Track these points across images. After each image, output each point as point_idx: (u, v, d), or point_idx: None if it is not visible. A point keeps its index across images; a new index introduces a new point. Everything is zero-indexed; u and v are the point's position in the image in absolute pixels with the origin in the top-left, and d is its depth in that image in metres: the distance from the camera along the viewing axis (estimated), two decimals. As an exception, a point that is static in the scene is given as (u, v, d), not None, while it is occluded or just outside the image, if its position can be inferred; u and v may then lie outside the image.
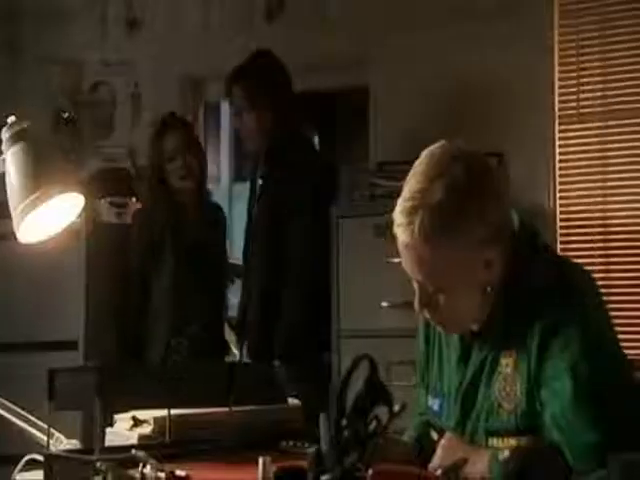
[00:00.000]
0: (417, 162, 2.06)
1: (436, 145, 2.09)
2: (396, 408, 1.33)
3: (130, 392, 2.28)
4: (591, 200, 4.32)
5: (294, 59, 4.57)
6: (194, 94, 5.14)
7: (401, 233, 2.00)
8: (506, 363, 2.06)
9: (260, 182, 4.09)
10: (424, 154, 2.07)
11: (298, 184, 3.93)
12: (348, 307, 4.03)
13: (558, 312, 1.98)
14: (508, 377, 2.04)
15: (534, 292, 2.03)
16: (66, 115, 5.10)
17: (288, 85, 4.10)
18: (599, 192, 4.31)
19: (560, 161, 4.37)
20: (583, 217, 4.32)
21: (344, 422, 1.36)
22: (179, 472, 1.87)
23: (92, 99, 5.25)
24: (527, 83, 4.37)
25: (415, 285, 2.07)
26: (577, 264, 2.18)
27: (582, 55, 4.35)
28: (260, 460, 1.72)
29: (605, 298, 2.14)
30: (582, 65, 4.35)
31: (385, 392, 1.32)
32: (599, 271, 4.18)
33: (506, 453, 1.26)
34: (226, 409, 2.34)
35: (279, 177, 3.98)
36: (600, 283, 2.16)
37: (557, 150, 4.37)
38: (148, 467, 1.88)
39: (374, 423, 1.32)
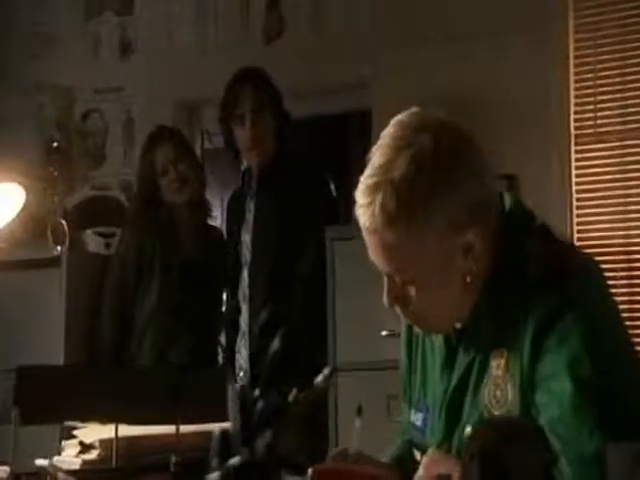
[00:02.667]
0: (383, 132, 1.77)
1: (406, 112, 1.80)
2: (325, 372, 1.01)
3: (59, 400, 1.94)
4: (612, 225, 4.00)
5: (294, 82, 4.34)
6: (190, 120, 4.89)
7: (362, 215, 1.72)
8: (496, 364, 1.75)
9: (253, 206, 3.78)
10: (392, 123, 1.79)
11: (296, 206, 3.62)
12: (345, 338, 3.69)
13: (555, 300, 1.68)
14: (498, 380, 1.74)
15: (526, 279, 1.72)
16: (56, 145, 4.86)
17: (281, 102, 3.83)
18: (620, 217, 3.98)
19: (577, 184, 4.06)
20: (603, 244, 3.99)
21: (256, 393, 1.03)
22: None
23: (83, 127, 5.02)
24: (541, 101, 4.09)
25: (384, 277, 1.77)
26: (579, 248, 1.87)
27: (600, 71, 4.06)
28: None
29: (630, 332, 1.81)
30: (600, 81, 4.06)
31: (308, 352, 0.99)
32: (623, 302, 3.83)
33: (468, 430, 0.94)
34: (174, 428, 2.01)
35: (275, 198, 3.67)
36: (624, 316, 1.85)
37: (573, 172, 4.06)
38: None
39: (294, 392, 1.00)
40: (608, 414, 1.57)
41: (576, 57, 4.09)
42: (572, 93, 4.08)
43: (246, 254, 3.82)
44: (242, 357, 3.72)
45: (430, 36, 4.28)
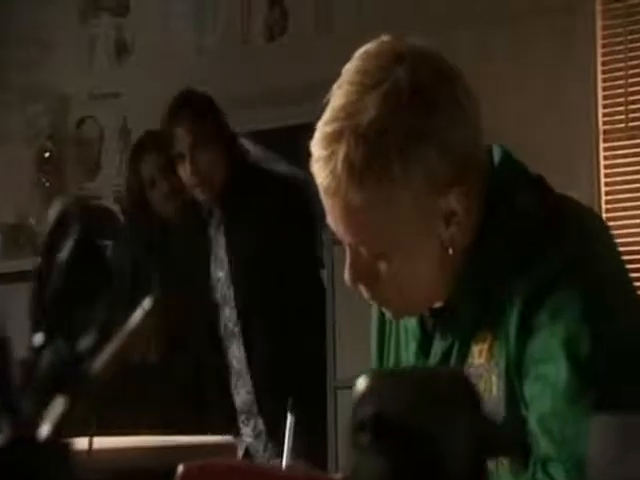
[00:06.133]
0: (346, 67, 1.42)
1: (375, 41, 1.46)
2: (145, 305, 0.66)
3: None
4: (645, 230, 3.62)
5: (298, 82, 4.05)
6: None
7: (320, 172, 1.37)
8: (479, 350, 1.41)
9: (222, 232, 3.40)
10: (357, 55, 1.44)
11: (267, 227, 3.24)
12: (345, 351, 3.34)
13: (547, 264, 1.33)
14: (482, 369, 1.39)
15: (515, 241, 1.37)
16: (48, 154, 4.58)
17: (224, 119, 3.41)
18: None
19: (606, 184, 3.69)
20: (634, 250, 3.60)
21: (39, 339, 0.68)
22: None
23: (78, 136, 4.73)
24: (565, 94, 3.72)
25: (347, 249, 1.42)
26: (580, 202, 1.51)
27: (631, 59, 3.69)
28: None
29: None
30: (631, 71, 3.69)
31: (105, 268, 0.65)
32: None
33: (360, 384, 0.59)
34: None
35: (245, 221, 3.29)
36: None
37: (602, 170, 3.69)
38: None
39: (92, 336, 0.64)
40: (612, 403, 1.21)
41: (604, 45, 3.73)
42: (600, 85, 3.72)
43: (224, 291, 3.43)
44: None
45: (443, 25, 3.93)
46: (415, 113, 1.35)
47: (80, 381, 0.66)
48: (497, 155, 1.48)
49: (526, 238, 1.36)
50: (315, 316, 3.41)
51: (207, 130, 3.29)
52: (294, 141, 3.84)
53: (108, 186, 4.61)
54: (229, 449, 2.04)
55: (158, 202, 3.58)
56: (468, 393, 0.64)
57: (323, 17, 4.28)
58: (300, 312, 3.32)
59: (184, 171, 3.30)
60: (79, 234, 0.66)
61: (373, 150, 1.33)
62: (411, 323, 1.52)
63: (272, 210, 3.26)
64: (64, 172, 4.72)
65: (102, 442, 1.78)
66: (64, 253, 0.68)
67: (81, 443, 1.67)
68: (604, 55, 3.73)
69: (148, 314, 0.67)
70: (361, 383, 0.65)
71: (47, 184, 4.55)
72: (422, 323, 1.49)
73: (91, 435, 1.59)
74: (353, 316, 3.28)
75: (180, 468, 0.91)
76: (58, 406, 0.66)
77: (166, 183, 3.56)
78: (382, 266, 1.39)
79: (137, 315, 0.67)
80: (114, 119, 4.66)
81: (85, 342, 0.66)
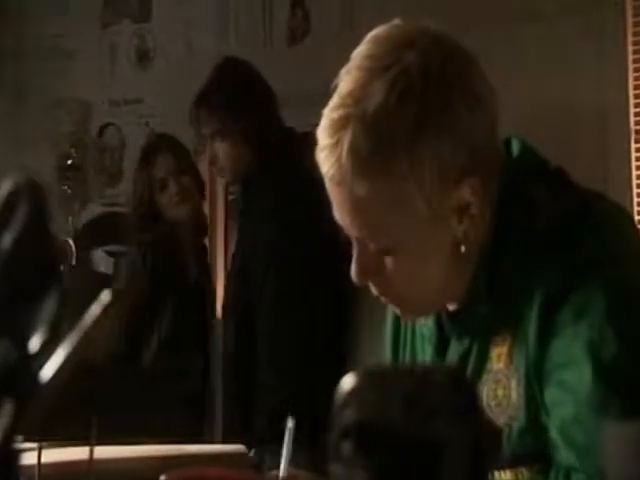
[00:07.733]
0: (355, 52, 1.35)
1: (385, 25, 1.39)
2: (105, 297, 0.58)
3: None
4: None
5: (321, 85, 3.96)
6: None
7: (325, 161, 1.31)
8: (497, 355, 1.33)
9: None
10: (367, 39, 1.38)
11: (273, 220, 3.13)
12: (366, 361, 3.25)
13: (569, 261, 1.25)
14: (500, 375, 1.31)
15: (533, 238, 1.29)
16: (70, 162, 4.54)
17: (267, 100, 3.33)
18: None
19: (639, 186, 3.59)
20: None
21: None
22: None
23: (100, 143, 4.69)
24: (595, 93, 3.63)
25: (354, 244, 1.36)
26: (604, 196, 1.42)
27: (663, 57, 3.60)
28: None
29: None
30: (663, 69, 3.60)
31: (51, 247, 0.57)
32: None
33: (345, 384, 0.51)
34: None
35: (256, 212, 3.19)
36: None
37: (634, 172, 3.58)
38: None
39: (44, 334, 0.56)
40: (638, 409, 1.12)
41: (635, 43, 3.63)
42: (631, 83, 3.62)
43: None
44: None
45: (468, 26, 3.84)
46: (425, 100, 1.28)
47: (32, 385, 0.59)
48: (515, 147, 1.41)
49: (545, 234, 1.28)
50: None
51: (232, 118, 3.23)
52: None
53: (130, 193, 4.57)
54: (240, 458, 1.97)
55: (168, 204, 3.51)
56: (467, 396, 0.56)
57: (346, 19, 4.21)
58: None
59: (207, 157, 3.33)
60: (26, 219, 0.58)
61: (379, 140, 1.27)
62: (427, 327, 1.44)
63: (283, 202, 3.16)
64: (86, 179, 4.69)
65: (106, 451, 1.72)
66: (7, 240, 0.60)
67: (83, 452, 1.61)
68: (635, 53, 3.63)
69: (106, 309, 0.59)
70: (345, 383, 0.57)
71: (69, 191, 4.51)
72: (439, 325, 1.42)
73: (92, 444, 1.53)
74: (375, 324, 3.19)
75: (162, 478, 0.83)
76: (7, 412, 0.59)
77: (176, 184, 3.50)
78: (389, 261, 1.33)
79: (94, 311, 0.60)
80: (136, 126, 4.61)
81: (36, 342, 0.58)
